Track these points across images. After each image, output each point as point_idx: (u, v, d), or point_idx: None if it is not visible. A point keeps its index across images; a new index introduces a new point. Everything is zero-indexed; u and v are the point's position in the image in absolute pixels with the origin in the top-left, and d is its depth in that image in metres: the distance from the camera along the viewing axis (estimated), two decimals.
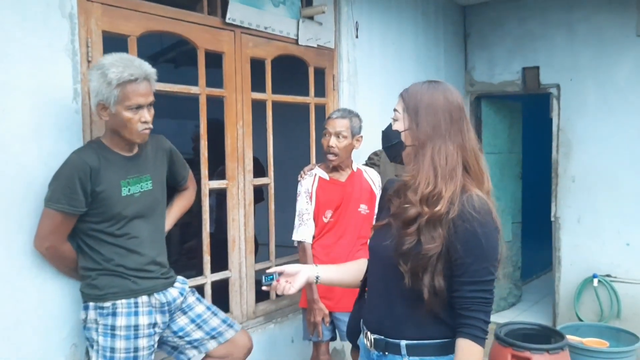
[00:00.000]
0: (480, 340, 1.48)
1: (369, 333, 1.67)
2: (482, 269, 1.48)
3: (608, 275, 4.57)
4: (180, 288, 2.35)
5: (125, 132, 2.09)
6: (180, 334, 2.34)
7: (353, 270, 1.85)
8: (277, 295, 3.35)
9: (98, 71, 2.02)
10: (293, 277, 1.76)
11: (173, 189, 2.54)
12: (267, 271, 1.77)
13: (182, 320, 2.34)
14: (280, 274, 1.76)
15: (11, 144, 2.05)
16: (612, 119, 4.52)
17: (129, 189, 2.15)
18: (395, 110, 1.65)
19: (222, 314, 2.46)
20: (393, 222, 1.59)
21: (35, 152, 2.12)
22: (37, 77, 2.13)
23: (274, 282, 1.74)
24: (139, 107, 2.07)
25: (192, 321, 2.36)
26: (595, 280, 4.58)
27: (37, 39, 2.13)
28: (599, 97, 4.57)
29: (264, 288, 1.78)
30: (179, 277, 2.39)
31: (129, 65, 2.03)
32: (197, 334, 2.36)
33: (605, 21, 4.51)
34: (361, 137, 2.90)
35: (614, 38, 4.48)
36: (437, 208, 1.47)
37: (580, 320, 4.55)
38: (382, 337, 1.62)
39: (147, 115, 2.10)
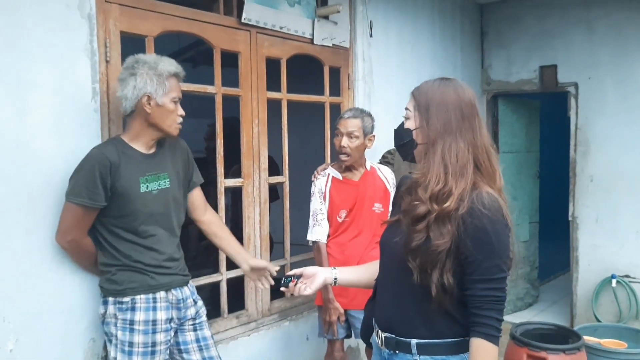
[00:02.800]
0: (494, 339, 1.47)
1: (379, 331, 1.68)
2: (493, 266, 1.47)
3: (627, 276, 4.52)
4: (192, 290, 2.38)
5: (165, 124, 2.19)
6: (182, 347, 2.33)
7: (370, 271, 1.86)
8: (291, 294, 3.37)
9: (145, 65, 2.13)
10: (310, 278, 1.80)
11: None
12: (288, 273, 1.82)
13: (189, 336, 2.34)
14: (299, 276, 1.80)
15: (32, 140, 2.10)
16: (632, 118, 4.46)
17: (147, 186, 2.19)
18: (406, 108, 1.65)
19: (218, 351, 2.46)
20: (403, 219, 1.59)
21: (55, 148, 2.17)
22: (57, 76, 2.18)
23: (291, 284, 1.78)
24: (177, 100, 2.21)
25: (197, 341, 2.36)
26: (614, 281, 4.52)
27: (57, 39, 2.18)
28: (618, 96, 4.52)
29: (282, 289, 1.83)
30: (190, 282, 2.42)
31: (171, 62, 2.20)
32: (195, 356, 2.35)
33: (626, 19, 4.45)
34: (373, 136, 2.90)
35: (634, 36, 4.42)
36: (446, 204, 1.47)
37: (598, 321, 4.50)
38: (393, 335, 1.62)
39: (181, 110, 2.23)
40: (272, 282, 2.42)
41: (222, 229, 2.55)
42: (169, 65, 2.18)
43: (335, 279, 1.83)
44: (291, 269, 3.34)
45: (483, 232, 1.46)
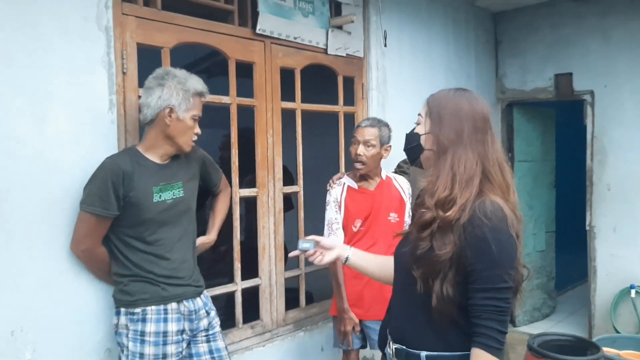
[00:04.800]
0: (493, 350, 1.43)
1: (391, 342, 1.67)
2: (495, 276, 1.43)
3: None
4: (204, 302, 2.38)
5: (180, 139, 2.22)
6: (195, 359, 2.33)
7: (383, 263, 1.87)
8: (306, 303, 3.37)
9: (174, 79, 2.19)
10: (327, 250, 1.85)
11: (205, 194, 2.60)
12: (306, 237, 1.85)
13: (202, 348, 2.34)
14: (316, 242, 1.84)
15: (50, 150, 2.13)
16: None
17: (161, 195, 2.20)
18: (419, 114, 1.67)
19: None
20: (412, 228, 1.60)
21: (73, 159, 2.19)
22: (75, 87, 2.21)
23: (311, 251, 1.82)
24: (197, 119, 2.25)
25: (211, 352, 2.35)
26: (633, 291, 4.45)
27: (76, 51, 2.21)
28: (635, 104, 4.47)
29: (294, 253, 1.88)
30: (205, 292, 2.42)
31: (199, 81, 2.27)
32: None
33: None
34: (390, 146, 2.89)
35: None
36: (449, 213, 1.46)
37: (617, 332, 4.42)
38: (404, 346, 1.61)
39: (198, 129, 2.28)
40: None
41: (217, 211, 2.65)
42: (197, 83, 2.24)
43: (347, 257, 1.86)
44: (306, 279, 3.36)
45: (483, 241, 1.43)
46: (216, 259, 4.43)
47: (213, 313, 2.40)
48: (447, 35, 4.47)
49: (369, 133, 2.81)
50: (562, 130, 5.76)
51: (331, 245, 1.86)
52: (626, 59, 4.50)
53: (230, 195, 2.75)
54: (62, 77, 2.17)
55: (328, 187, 2.95)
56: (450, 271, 1.46)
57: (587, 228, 4.76)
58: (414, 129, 1.68)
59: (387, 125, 2.90)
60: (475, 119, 1.55)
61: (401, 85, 3.95)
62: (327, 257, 1.83)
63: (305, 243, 1.83)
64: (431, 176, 1.56)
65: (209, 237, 2.61)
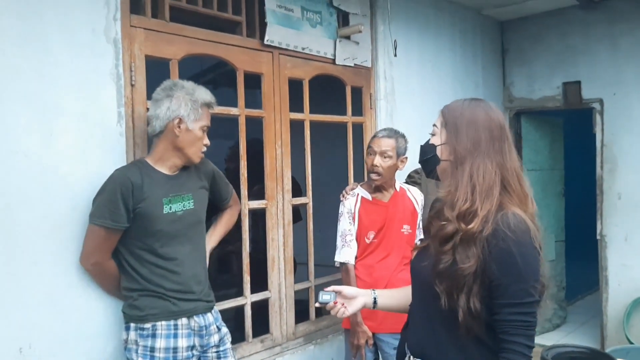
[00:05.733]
0: None
1: (411, 357, 1.63)
2: (521, 290, 1.41)
3: None
4: (215, 317, 2.34)
5: (190, 149, 2.21)
6: None
7: (408, 295, 1.80)
8: (316, 316, 3.33)
9: (182, 90, 2.18)
10: (349, 300, 1.77)
11: (214, 208, 2.56)
12: (325, 289, 1.75)
13: None
14: (337, 293, 1.76)
15: (59, 165, 2.11)
16: None
17: (171, 207, 2.18)
18: (434, 125, 1.64)
19: None
20: (432, 242, 1.56)
21: (82, 172, 2.17)
22: (84, 100, 2.19)
23: (331, 303, 1.73)
24: (206, 130, 2.24)
25: None
26: None
27: (84, 64, 2.19)
28: None
29: (316, 305, 1.77)
30: (215, 308, 2.39)
31: (207, 92, 2.26)
32: None
33: None
34: (406, 158, 2.84)
35: None
36: (471, 225, 1.43)
37: (631, 343, 4.36)
38: None
39: (207, 140, 2.26)
40: None
41: (219, 224, 2.59)
42: (205, 94, 2.24)
43: (375, 302, 1.80)
44: (315, 291, 3.32)
45: (508, 254, 1.41)
46: (224, 271, 4.40)
47: (224, 329, 2.37)
48: (454, 44, 4.45)
49: (386, 144, 2.78)
50: (571, 139, 5.72)
51: (354, 294, 1.78)
52: (635, 66, 4.47)
53: (239, 212, 2.71)
54: (70, 90, 2.15)
55: (342, 198, 2.91)
56: (475, 284, 1.43)
57: (598, 237, 4.70)
58: (429, 140, 1.65)
59: (403, 136, 2.86)
60: (492, 128, 1.53)
61: (409, 95, 3.93)
62: (351, 308, 1.75)
63: (326, 295, 1.73)
64: (449, 187, 1.53)
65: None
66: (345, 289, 1.78)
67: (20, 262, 2.01)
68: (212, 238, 2.52)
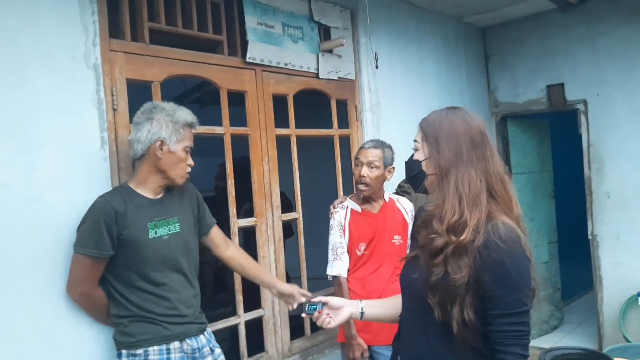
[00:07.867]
0: None
1: None
2: (515, 300, 1.42)
3: None
4: (208, 339, 2.32)
5: (173, 171, 2.19)
6: None
7: (397, 305, 1.80)
8: (311, 331, 3.31)
9: (162, 112, 2.17)
10: (336, 311, 1.75)
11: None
12: (312, 300, 1.75)
13: None
14: (324, 304, 1.75)
15: (43, 195, 2.09)
16: None
17: (156, 232, 2.16)
18: (415, 140, 1.64)
19: None
20: (421, 254, 1.55)
21: (66, 201, 2.15)
22: (66, 128, 2.18)
23: (316, 313, 1.72)
24: (189, 150, 2.22)
25: None
26: None
27: (65, 91, 2.18)
28: (629, 110, 4.46)
29: (303, 315, 1.77)
30: (207, 329, 2.36)
31: (188, 112, 2.25)
32: None
33: (630, 33, 4.42)
34: (393, 168, 2.86)
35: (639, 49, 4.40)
36: (462, 237, 1.43)
37: (628, 341, 4.36)
38: None
39: (191, 160, 2.24)
40: (294, 307, 2.41)
41: (246, 259, 2.55)
42: (186, 114, 2.22)
43: (362, 313, 1.78)
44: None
45: (501, 265, 1.41)
46: (220, 289, 4.38)
47: (217, 350, 2.34)
48: (437, 52, 4.48)
49: (373, 154, 2.79)
50: (558, 141, 5.76)
51: (340, 304, 1.77)
52: (616, 66, 4.51)
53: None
54: (51, 118, 2.13)
55: (331, 211, 2.91)
56: (468, 295, 1.43)
57: (590, 237, 4.72)
58: (412, 155, 1.65)
59: (390, 147, 2.88)
60: (472, 135, 1.53)
61: (395, 105, 3.94)
62: (337, 319, 1.73)
63: (312, 305, 1.73)
64: (437, 200, 1.53)
65: (279, 289, 2.50)
66: (331, 300, 1.77)
67: (6, 295, 1.98)
68: (259, 268, 2.59)
